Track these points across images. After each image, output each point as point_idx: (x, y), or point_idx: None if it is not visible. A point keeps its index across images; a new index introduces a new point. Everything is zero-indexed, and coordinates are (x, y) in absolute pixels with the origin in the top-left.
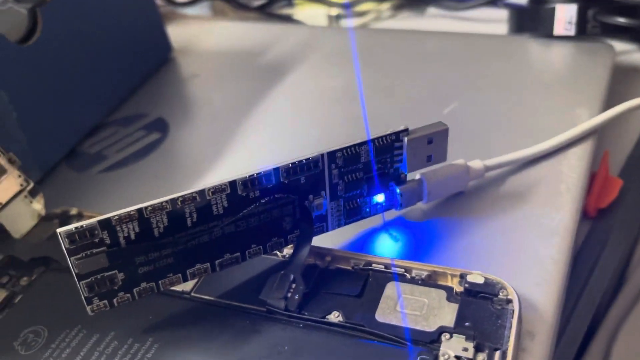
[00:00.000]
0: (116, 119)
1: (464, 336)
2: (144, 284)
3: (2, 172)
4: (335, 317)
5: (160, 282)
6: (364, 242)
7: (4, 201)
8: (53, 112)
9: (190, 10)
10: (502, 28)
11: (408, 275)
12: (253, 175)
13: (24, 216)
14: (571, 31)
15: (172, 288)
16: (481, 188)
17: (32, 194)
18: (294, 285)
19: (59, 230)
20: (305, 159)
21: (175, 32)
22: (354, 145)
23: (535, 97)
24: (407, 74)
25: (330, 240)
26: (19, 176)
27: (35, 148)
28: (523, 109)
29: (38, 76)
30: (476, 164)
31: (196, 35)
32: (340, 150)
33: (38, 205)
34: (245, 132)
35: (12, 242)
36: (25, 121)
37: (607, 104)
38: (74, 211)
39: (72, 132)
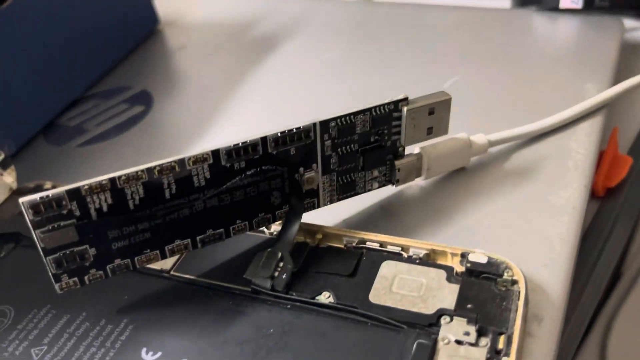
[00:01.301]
0: (98, 92)
1: (465, 319)
2: (118, 261)
3: None
4: (325, 297)
5: (136, 258)
6: (357, 220)
7: None
8: (30, 82)
9: None
10: (505, 1)
11: (405, 254)
12: (238, 144)
13: None
14: (578, 4)
15: (150, 266)
16: (484, 164)
17: (3, 166)
18: (281, 264)
19: (21, 200)
20: (296, 128)
21: (162, 4)
22: (349, 115)
23: (541, 72)
24: (406, 47)
25: (321, 217)
26: None
27: (10, 119)
28: (528, 84)
29: (14, 43)
30: (479, 138)
31: (184, 7)
32: (334, 119)
33: (9, 178)
34: (234, 106)
35: None
36: (0, 88)
37: (616, 80)
38: (48, 185)
39: (50, 104)
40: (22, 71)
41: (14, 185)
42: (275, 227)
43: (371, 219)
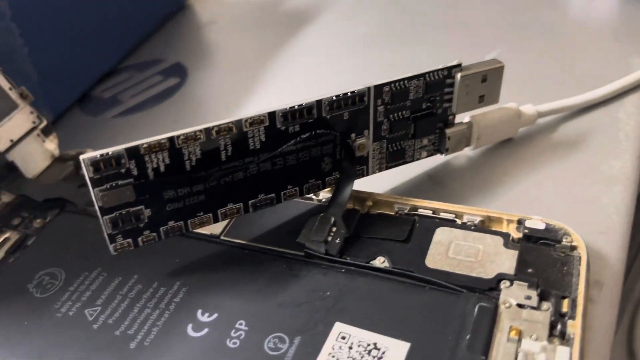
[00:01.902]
0: (131, 64)
1: (526, 283)
2: (171, 223)
3: (13, 107)
4: (380, 262)
5: (189, 221)
6: (406, 189)
7: (15, 138)
8: (65, 52)
9: None
10: None
11: (459, 221)
12: (294, 106)
13: (37, 155)
14: None
15: (199, 231)
16: (532, 135)
17: (45, 132)
18: (334, 229)
19: (82, 156)
20: (351, 92)
21: None
22: (403, 80)
23: (585, 45)
24: (443, 20)
25: (369, 186)
26: (32, 112)
27: (47, 88)
28: (572, 57)
29: (51, 14)
30: (528, 109)
31: None
32: (388, 84)
33: (51, 145)
34: (268, 79)
35: (25, 182)
36: (36, 58)
37: None
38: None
39: (85, 74)
40: (57, 42)
41: (56, 152)
42: (324, 194)
43: (419, 188)
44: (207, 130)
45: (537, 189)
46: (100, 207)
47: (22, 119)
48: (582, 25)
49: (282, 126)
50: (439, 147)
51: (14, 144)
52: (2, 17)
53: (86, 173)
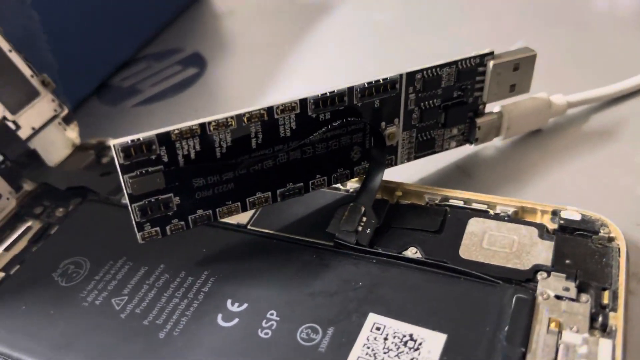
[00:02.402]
0: (149, 54)
1: (564, 275)
2: (200, 211)
3: (35, 95)
4: (412, 253)
5: (217, 210)
6: (435, 179)
7: (37, 126)
8: (84, 40)
9: None
10: None
11: (492, 212)
12: (326, 93)
13: (58, 143)
14: None
15: (226, 221)
16: (562, 126)
17: (66, 121)
18: (364, 219)
19: (113, 142)
20: (383, 79)
21: None
22: (436, 67)
23: (614, 36)
24: (465, 8)
25: (397, 176)
26: (53, 100)
27: (66, 77)
28: (601, 48)
29: (67, 5)
30: (559, 99)
31: None
32: (421, 71)
33: (73, 134)
34: (288, 68)
35: (47, 170)
36: (55, 46)
37: None
38: (110, 142)
39: (103, 64)
40: (76, 31)
41: (77, 141)
42: (352, 185)
43: (449, 178)
44: (239, 117)
45: (569, 180)
46: (129, 195)
47: (43, 107)
48: (612, 14)
49: (313, 113)
50: (468, 137)
51: (36, 131)
52: (23, 4)
53: (116, 159)
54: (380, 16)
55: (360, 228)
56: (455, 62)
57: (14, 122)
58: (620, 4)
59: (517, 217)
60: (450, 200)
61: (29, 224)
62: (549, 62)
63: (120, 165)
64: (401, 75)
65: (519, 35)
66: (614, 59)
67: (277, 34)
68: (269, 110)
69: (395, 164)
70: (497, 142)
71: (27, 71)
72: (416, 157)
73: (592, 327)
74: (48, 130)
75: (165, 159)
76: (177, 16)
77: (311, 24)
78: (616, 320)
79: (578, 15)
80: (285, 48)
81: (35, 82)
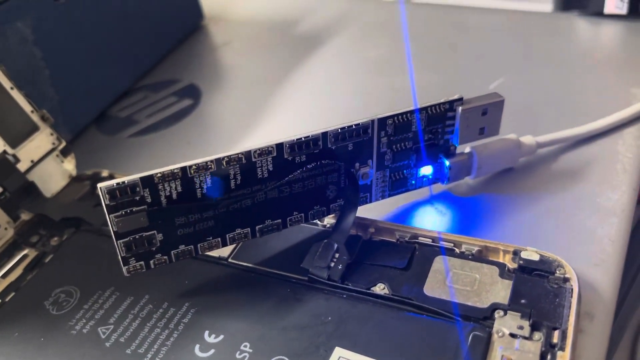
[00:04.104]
0: (146, 84)
1: (519, 314)
2: (182, 247)
3: (34, 130)
4: (380, 289)
5: (199, 245)
6: (407, 216)
7: (35, 159)
8: (84, 73)
9: None
10: (547, 6)
11: (457, 250)
12: (301, 138)
13: (55, 175)
14: (623, 10)
15: (209, 253)
16: (532, 165)
17: (64, 153)
18: (337, 255)
19: (100, 185)
20: (355, 125)
21: (207, 0)
22: (406, 113)
23: (586, 76)
24: (449, 48)
25: (372, 212)
26: (51, 134)
27: (66, 109)
28: (573, 87)
29: (71, 36)
30: (528, 139)
31: (228, 3)
32: (392, 117)
33: (69, 165)
34: (281, 101)
35: (43, 201)
36: (57, 80)
37: None
38: (105, 173)
39: (102, 95)
40: (76, 63)
41: (74, 172)
42: (329, 220)
43: (422, 215)
44: (218, 161)
45: (535, 219)
46: (115, 232)
47: (42, 140)
48: (586, 53)
49: (289, 156)
50: (440, 176)
51: (34, 164)
52: (25, 43)
53: (103, 200)
54: (371, 53)
55: (332, 264)
56: (425, 108)
57: (14, 156)
58: (597, 45)
59: (480, 256)
60: (419, 238)
61: (25, 252)
62: (526, 101)
63: (106, 205)
64: (373, 121)
65: (500, 74)
66: (588, 99)
67: (271, 66)
68: (247, 154)
69: (370, 201)
70: (469, 180)
71: (27, 107)
72: (390, 195)
73: None
74: (46, 162)
75: (149, 200)
76: (175, 47)
77: (304, 58)
78: (563, 359)
79: (556, 56)
80: (278, 80)
81: (35, 117)
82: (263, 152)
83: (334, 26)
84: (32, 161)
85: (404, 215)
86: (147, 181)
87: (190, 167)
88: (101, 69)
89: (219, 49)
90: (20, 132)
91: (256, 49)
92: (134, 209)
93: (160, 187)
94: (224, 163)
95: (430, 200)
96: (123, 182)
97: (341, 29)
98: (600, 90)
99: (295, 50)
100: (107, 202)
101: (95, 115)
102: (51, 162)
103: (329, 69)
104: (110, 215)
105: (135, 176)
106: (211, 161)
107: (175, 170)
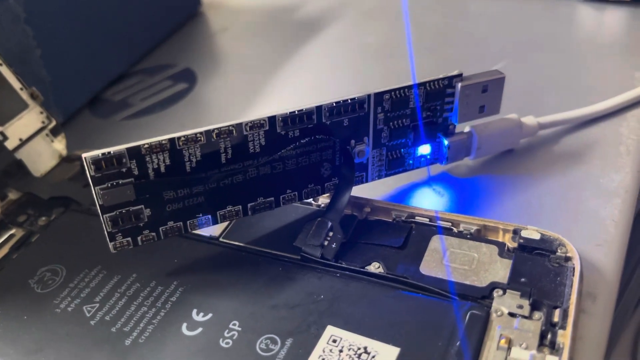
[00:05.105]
0: (142, 69)
1: (518, 293)
2: (171, 223)
3: (23, 107)
4: (375, 268)
5: (188, 222)
6: (404, 196)
7: (24, 137)
8: (78, 55)
9: None
10: None
11: (455, 229)
12: (294, 112)
13: (45, 155)
14: None
15: (199, 232)
16: (533, 146)
17: (54, 132)
18: (331, 234)
19: (84, 155)
20: (351, 99)
21: None
22: (404, 88)
23: (589, 60)
24: (451, 33)
25: (368, 192)
26: (41, 112)
27: (58, 90)
28: (577, 70)
29: (65, 17)
30: (530, 120)
31: None
32: (389, 92)
33: (59, 145)
34: (277, 86)
35: (32, 180)
36: (49, 60)
37: None
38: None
39: (96, 78)
40: (71, 43)
41: (64, 152)
42: (323, 200)
43: (419, 196)
44: (208, 133)
45: (537, 200)
46: (101, 206)
47: (31, 118)
48: (589, 38)
49: (282, 131)
50: (439, 156)
51: (23, 142)
52: (17, 20)
53: (88, 171)
54: (369, 38)
55: (326, 242)
56: (423, 83)
57: (2, 133)
58: (601, 29)
59: (479, 235)
60: (416, 217)
61: (12, 231)
62: (528, 82)
63: (91, 177)
64: (369, 96)
65: (501, 58)
66: (592, 82)
67: (267, 52)
68: (238, 126)
69: (367, 181)
70: (468, 161)
71: (16, 84)
72: (387, 175)
73: (542, 344)
74: (35, 141)
75: (136, 172)
76: (173, 32)
77: (301, 43)
78: (564, 337)
79: (560, 39)
80: (274, 66)
81: (24, 94)
82: (255, 125)
83: (332, 12)
84: (20, 139)
85: (401, 196)
86: (134, 152)
87: (178, 138)
88: (95, 51)
89: (216, 35)
90: (8, 109)
91: (253, 36)
92: (121, 181)
93: (147, 158)
94: (214, 135)
95: (429, 181)
96: (109, 153)
97: (339, 14)
98: (603, 74)
99: (293, 37)
100: (92, 174)
101: (89, 98)
102: (40, 141)
103: (327, 55)
104: (96, 187)
105: (122, 147)
106: (200, 133)
107: (164, 142)
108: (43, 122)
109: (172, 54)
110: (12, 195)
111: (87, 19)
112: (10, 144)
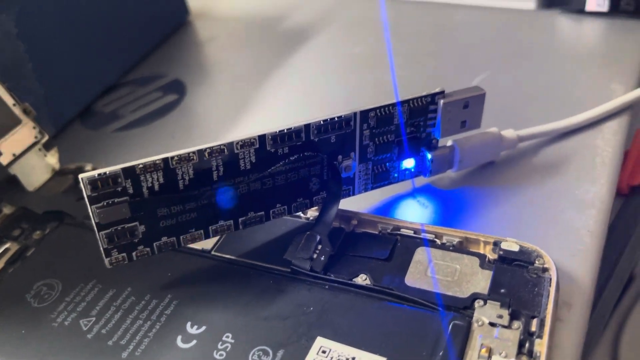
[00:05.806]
0: (132, 80)
1: (498, 303)
2: (164, 239)
3: (16, 123)
4: (362, 279)
5: (181, 237)
6: (390, 208)
7: (17, 152)
8: (69, 67)
9: None
10: (530, 3)
11: (438, 241)
12: (283, 130)
13: (38, 169)
14: (604, 7)
15: (192, 246)
16: (513, 158)
17: (47, 147)
18: (319, 247)
19: (81, 175)
20: (338, 117)
21: None
22: (388, 106)
23: (568, 72)
24: (434, 45)
25: (355, 205)
26: (34, 127)
27: (50, 103)
28: (555, 83)
29: (56, 30)
30: (509, 133)
31: None
32: (374, 109)
33: (52, 159)
34: (265, 96)
35: (26, 195)
36: (41, 74)
37: None
38: (88, 167)
39: (87, 89)
40: (61, 57)
41: (57, 166)
42: (312, 213)
43: (404, 207)
44: (200, 152)
45: (516, 211)
46: (97, 223)
47: (24, 134)
48: (567, 50)
49: (272, 148)
50: (422, 169)
51: (16, 157)
52: (8, 36)
53: (84, 191)
54: (356, 48)
55: (315, 255)
56: (407, 101)
57: None
58: (578, 41)
59: (461, 247)
60: (401, 230)
61: (7, 245)
62: (508, 95)
63: (87, 196)
64: (355, 113)
65: (483, 70)
66: (569, 94)
67: (256, 62)
68: (229, 145)
69: (353, 194)
70: (451, 173)
71: (9, 100)
72: (373, 188)
73: (520, 353)
74: (28, 156)
75: (131, 191)
76: (161, 42)
77: (290, 54)
78: (540, 346)
79: (538, 53)
80: (263, 76)
81: (17, 110)
82: (245, 143)
83: (319, 22)
84: (13, 154)
85: (387, 208)
86: (129, 172)
87: (172, 157)
88: (86, 63)
89: (204, 44)
90: (2, 125)
91: (241, 45)
92: (116, 200)
93: (142, 178)
94: (206, 154)
95: (413, 193)
96: (105, 173)
97: (326, 24)
98: (581, 86)
99: (281, 46)
100: (89, 193)
101: (80, 110)
102: (33, 155)
103: (314, 65)
104: (92, 206)
105: (117, 167)
106: (193, 152)
107: (157, 161)
108: (36, 137)
109: (162, 63)
110: (7, 210)
111: (77, 31)
112: (4, 159)
